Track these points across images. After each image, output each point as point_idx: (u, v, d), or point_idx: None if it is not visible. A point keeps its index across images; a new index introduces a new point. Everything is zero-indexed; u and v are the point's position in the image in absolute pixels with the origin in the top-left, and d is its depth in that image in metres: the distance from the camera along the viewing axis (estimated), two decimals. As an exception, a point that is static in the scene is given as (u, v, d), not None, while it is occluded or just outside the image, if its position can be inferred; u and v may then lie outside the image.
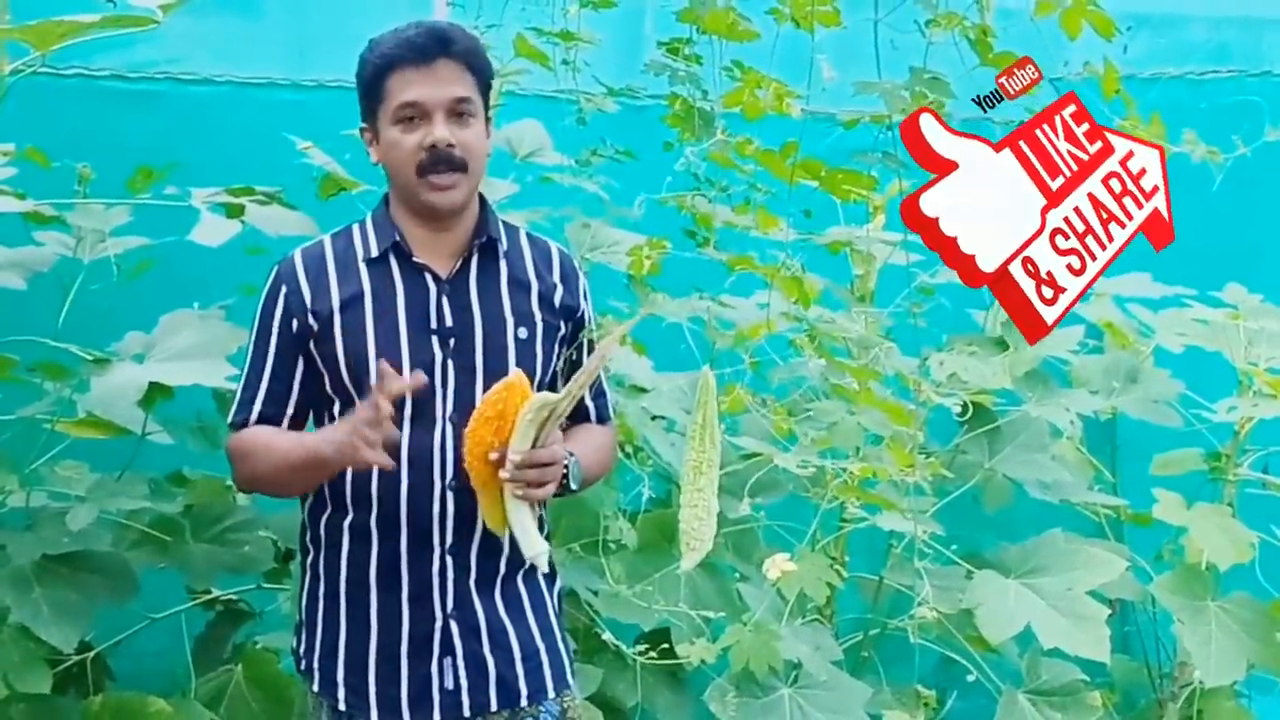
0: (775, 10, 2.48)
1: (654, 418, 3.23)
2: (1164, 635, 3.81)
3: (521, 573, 2.50)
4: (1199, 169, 3.11)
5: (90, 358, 2.91)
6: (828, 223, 3.32)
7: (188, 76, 3.73)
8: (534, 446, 2.29)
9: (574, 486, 2.42)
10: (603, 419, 2.67)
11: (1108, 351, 3.89)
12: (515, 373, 2.35)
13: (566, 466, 2.38)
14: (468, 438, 2.31)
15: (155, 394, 2.85)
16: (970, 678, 3.31)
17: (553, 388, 2.54)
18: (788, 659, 3.06)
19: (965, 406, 3.27)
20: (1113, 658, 3.48)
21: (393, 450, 2.27)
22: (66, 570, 2.84)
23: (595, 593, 3.06)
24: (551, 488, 2.36)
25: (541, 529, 2.43)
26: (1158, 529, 3.65)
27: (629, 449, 3.02)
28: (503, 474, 2.29)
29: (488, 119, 2.49)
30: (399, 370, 2.38)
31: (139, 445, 3.04)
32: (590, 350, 2.57)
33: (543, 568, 2.45)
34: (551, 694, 2.53)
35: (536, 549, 2.34)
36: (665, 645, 3.04)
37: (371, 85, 2.43)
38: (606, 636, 3.01)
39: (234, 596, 3.29)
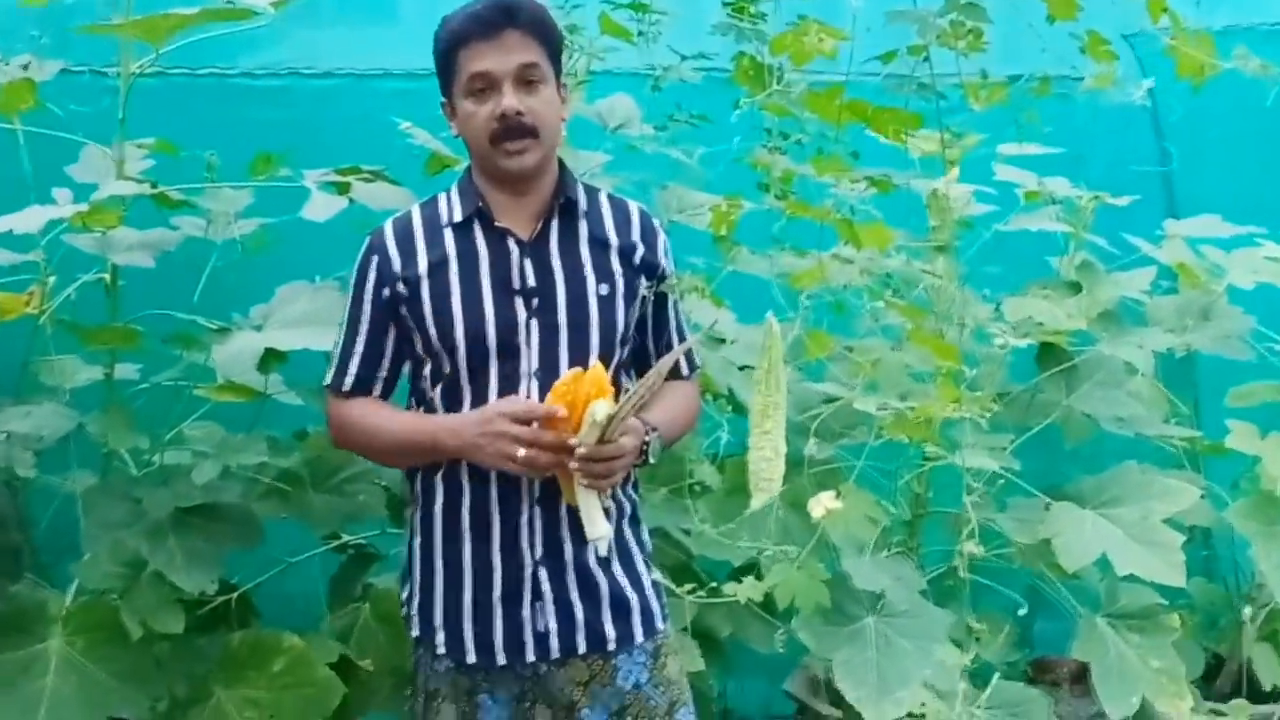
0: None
1: (742, 368, 2.98)
2: (1242, 559, 3.47)
3: (613, 524, 2.26)
4: (1270, 122, 2.75)
5: (214, 328, 2.77)
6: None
7: (309, 71, 3.56)
8: (602, 439, 2.08)
9: (653, 461, 2.21)
10: (692, 367, 2.44)
11: (1181, 291, 3.52)
12: (594, 364, 2.15)
13: (647, 444, 2.17)
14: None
15: (270, 359, 2.72)
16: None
17: (635, 342, 2.33)
18: (871, 589, 2.80)
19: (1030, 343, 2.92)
20: (1194, 581, 3.19)
21: None
22: (198, 521, 2.71)
23: (687, 532, 2.83)
24: (619, 477, 2.17)
25: (609, 516, 2.21)
26: (1238, 459, 3.31)
27: (708, 396, 2.77)
28: (571, 465, 2.09)
29: (560, 84, 2.26)
30: (483, 328, 2.19)
31: (264, 406, 2.88)
32: (656, 303, 2.34)
33: (601, 551, 2.23)
34: (640, 639, 2.31)
35: (598, 533, 2.14)
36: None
37: (445, 61, 2.23)
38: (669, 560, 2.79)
39: (362, 540, 3.13)
